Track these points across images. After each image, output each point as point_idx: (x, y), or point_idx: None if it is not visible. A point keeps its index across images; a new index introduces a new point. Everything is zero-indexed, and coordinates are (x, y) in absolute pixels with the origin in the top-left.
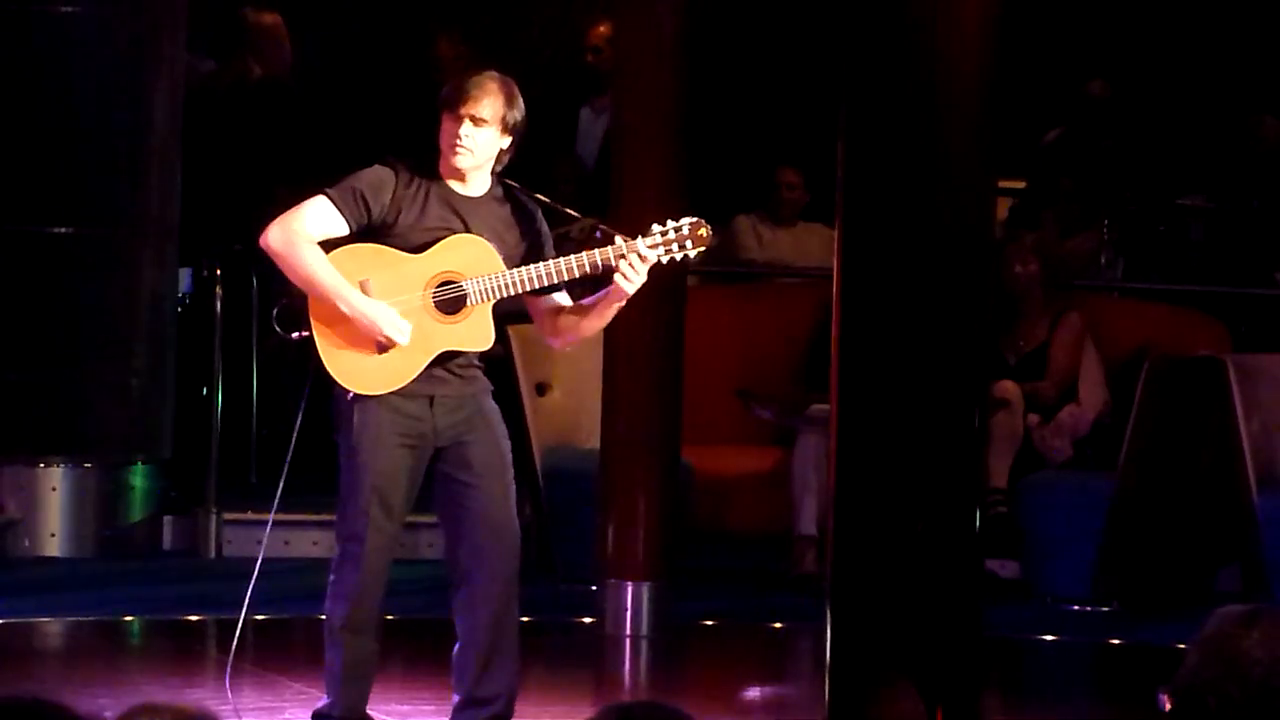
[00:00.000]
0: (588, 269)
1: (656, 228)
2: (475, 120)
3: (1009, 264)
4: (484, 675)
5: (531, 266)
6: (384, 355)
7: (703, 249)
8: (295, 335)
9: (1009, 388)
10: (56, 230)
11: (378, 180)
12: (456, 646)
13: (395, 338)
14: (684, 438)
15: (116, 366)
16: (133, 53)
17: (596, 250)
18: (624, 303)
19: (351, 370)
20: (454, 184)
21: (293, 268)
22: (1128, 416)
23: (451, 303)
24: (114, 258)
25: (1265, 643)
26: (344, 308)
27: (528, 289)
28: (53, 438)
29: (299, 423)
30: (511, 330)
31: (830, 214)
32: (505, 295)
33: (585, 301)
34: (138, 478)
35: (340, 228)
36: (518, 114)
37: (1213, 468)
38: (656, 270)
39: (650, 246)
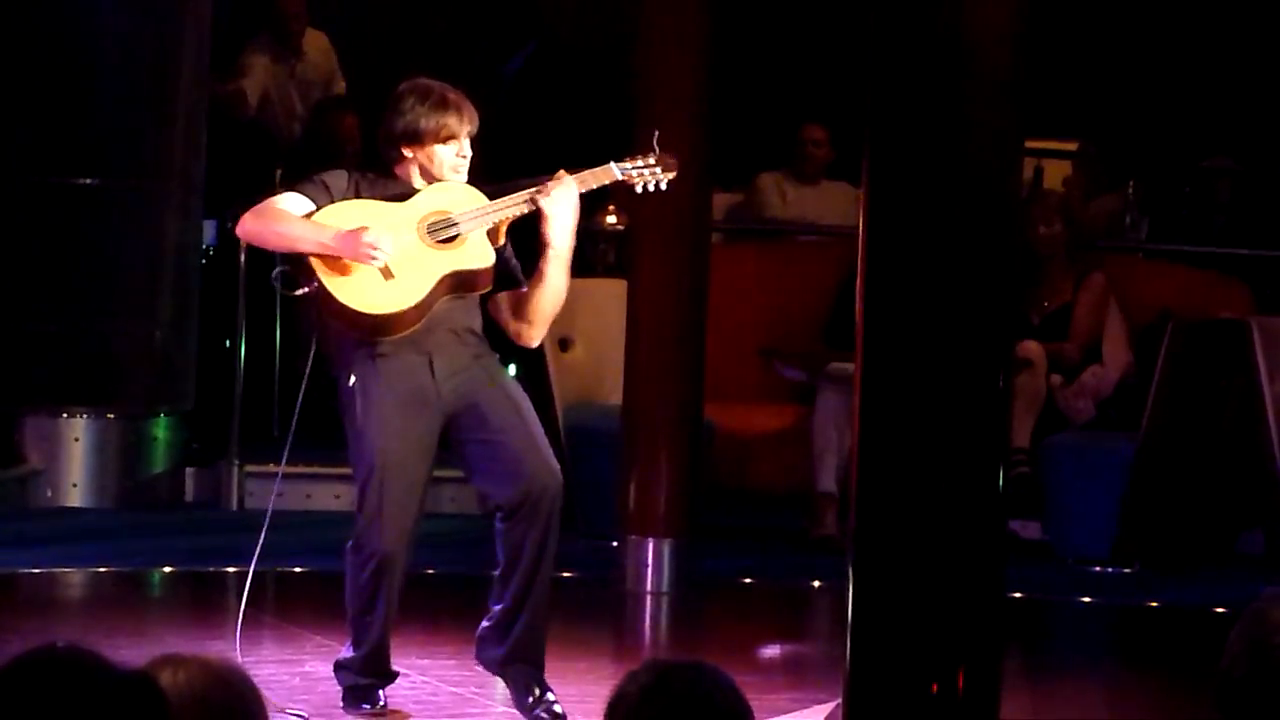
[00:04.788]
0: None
1: (628, 159)
2: (470, 136)
3: (1033, 224)
4: (522, 609)
5: (515, 194)
6: (391, 281)
7: (673, 175)
8: (300, 291)
9: (1032, 348)
10: (81, 182)
11: (336, 173)
12: (498, 570)
13: (379, 243)
14: (706, 395)
15: (140, 318)
16: (159, 3)
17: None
18: (565, 246)
19: (365, 297)
20: (410, 180)
21: (274, 232)
22: (1151, 378)
23: (445, 237)
24: (138, 209)
25: None
26: (332, 243)
27: (516, 214)
28: (76, 389)
29: (307, 376)
30: None
31: (854, 172)
32: (494, 222)
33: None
34: (160, 429)
35: (308, 210)
36: None
37: (1235, 430)
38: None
39: (621, 168)
